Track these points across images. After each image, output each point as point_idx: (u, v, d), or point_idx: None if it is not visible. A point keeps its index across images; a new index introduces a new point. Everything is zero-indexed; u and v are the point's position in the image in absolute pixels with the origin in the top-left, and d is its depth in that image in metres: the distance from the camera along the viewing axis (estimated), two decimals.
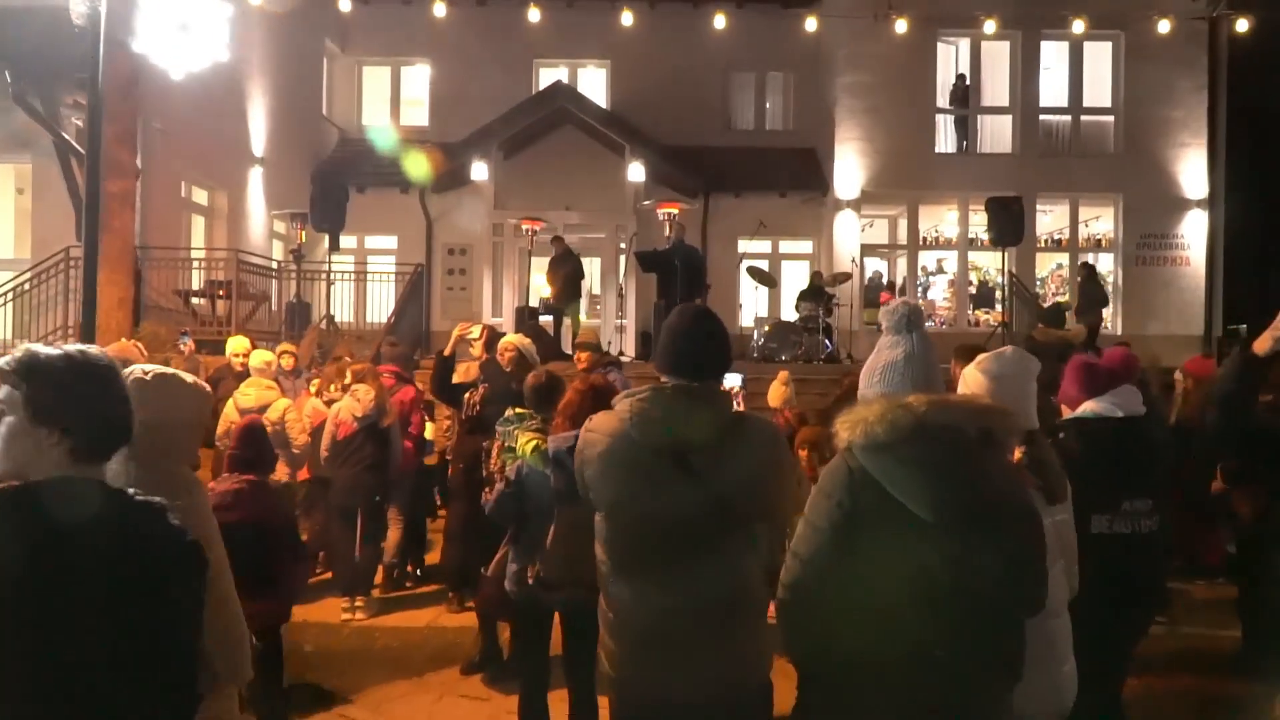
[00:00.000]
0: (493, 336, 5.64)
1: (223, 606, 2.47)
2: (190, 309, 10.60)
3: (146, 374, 2.57)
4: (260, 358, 5.92)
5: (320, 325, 10.89)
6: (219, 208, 13.56)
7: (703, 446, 2.25)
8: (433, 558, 6.84)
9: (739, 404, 5.04)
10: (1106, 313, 13.42)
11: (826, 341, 12.57)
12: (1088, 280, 13.48)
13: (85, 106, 9.26)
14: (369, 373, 5.75)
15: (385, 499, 5.91)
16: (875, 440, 1.86)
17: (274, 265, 12.42)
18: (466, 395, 5.31)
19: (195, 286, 11.21)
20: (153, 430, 2.50)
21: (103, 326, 8.69)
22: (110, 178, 8.62)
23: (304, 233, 13.01)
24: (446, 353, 5.53)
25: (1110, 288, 15.91)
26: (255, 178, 14.33)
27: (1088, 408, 3.09)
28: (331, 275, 12.13)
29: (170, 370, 2.65)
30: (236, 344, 6.34)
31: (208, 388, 2.82)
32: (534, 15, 16.78)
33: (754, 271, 13.34)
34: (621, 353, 13.19)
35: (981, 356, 2.57)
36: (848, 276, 13.60)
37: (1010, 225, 11.37)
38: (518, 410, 4.17)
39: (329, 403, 6.04)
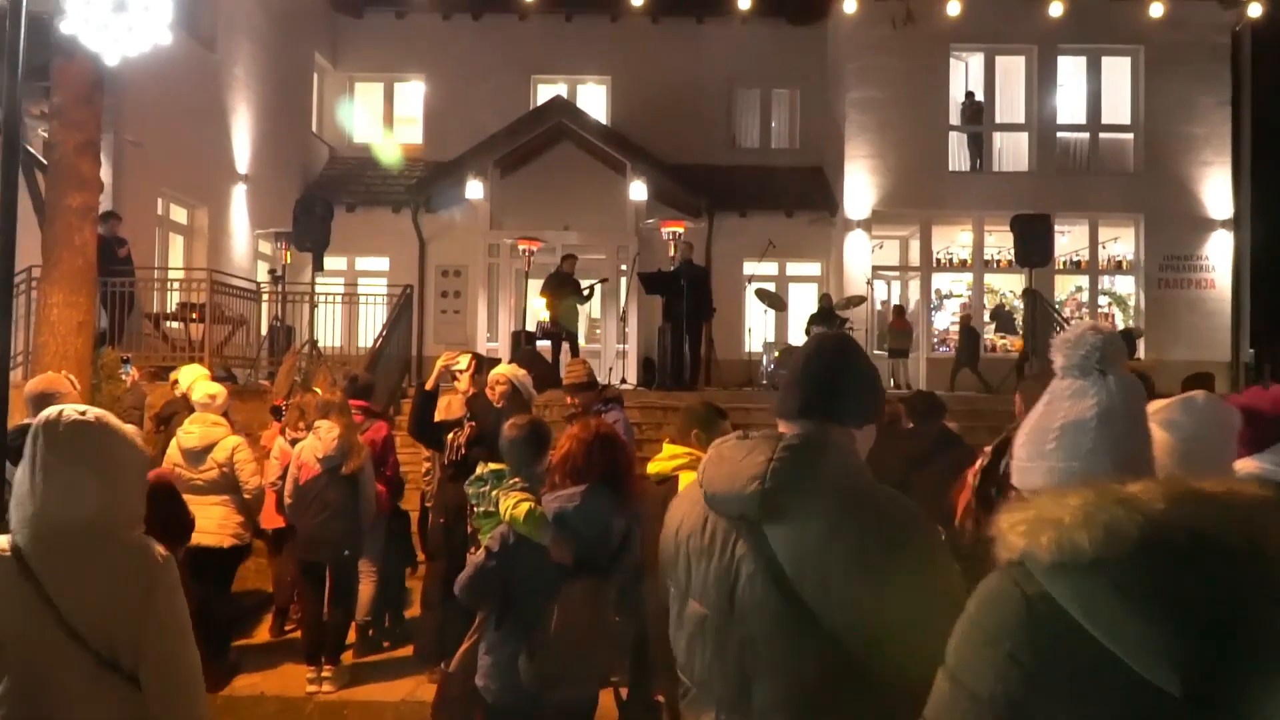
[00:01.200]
0: (482, 367, 4.90)
1: None
2: (161, 333, 9.87)
3: (84, 414, 1.92)
4: (204, 390, 5.16)
5: (301, 350, 10.16)
6: (199, 226, 12.89)
7: (780, 520, 1.58)
8: (414, 612, 6.11)
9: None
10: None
11: None
12: (1030, 305, 12.99)
13: (50, 116, 8.67)
14: (335, 406, 5.01)
15: (355, 552, 5.16)
16: (1077, 555, 1.14)
17: (254, 286, 11.70)
18: (450, 436, 4.55)
19: (170, 309, 10.51)
20: (99, 486, 1.86)
21: (59, 353, 7.98)
22: (70, 190, 7.93)
23: (289, 253, 12.34)
24: (429, 386, 4.76)
25: (1131, 311, 15.30)
26: (239, 196, 13.67)
27: (1246, 468, 2.36)
28: (315, 297, 11.42)
29: (109, 415, 1.98)
30: (190, 373, 5.60)
31: (147, 452, 2.17)
32: (531, 30, 16.32)
33: (763, 294, 12.66)
34: (624, 379, 12.49)
35: (1159, 405, 1.83)
36: (862, 299, 12.94)
37: (1037, 245, 10.73)
38: (492, 467, 3.45)
39: (293, 441, 5.30)
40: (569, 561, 3.01)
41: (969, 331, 13.81)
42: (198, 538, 5.11)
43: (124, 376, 5.53)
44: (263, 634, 6.24)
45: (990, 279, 15.46)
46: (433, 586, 4.59)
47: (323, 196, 12.57)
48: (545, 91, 16.40)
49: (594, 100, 16.76)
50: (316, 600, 5.16)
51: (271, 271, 12.02)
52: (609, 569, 3.06)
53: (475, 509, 3.45)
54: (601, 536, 3.03)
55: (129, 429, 2.00)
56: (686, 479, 3.39)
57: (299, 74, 15.72)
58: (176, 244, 12.60)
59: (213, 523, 5.12)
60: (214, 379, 5.84)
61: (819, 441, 1.63)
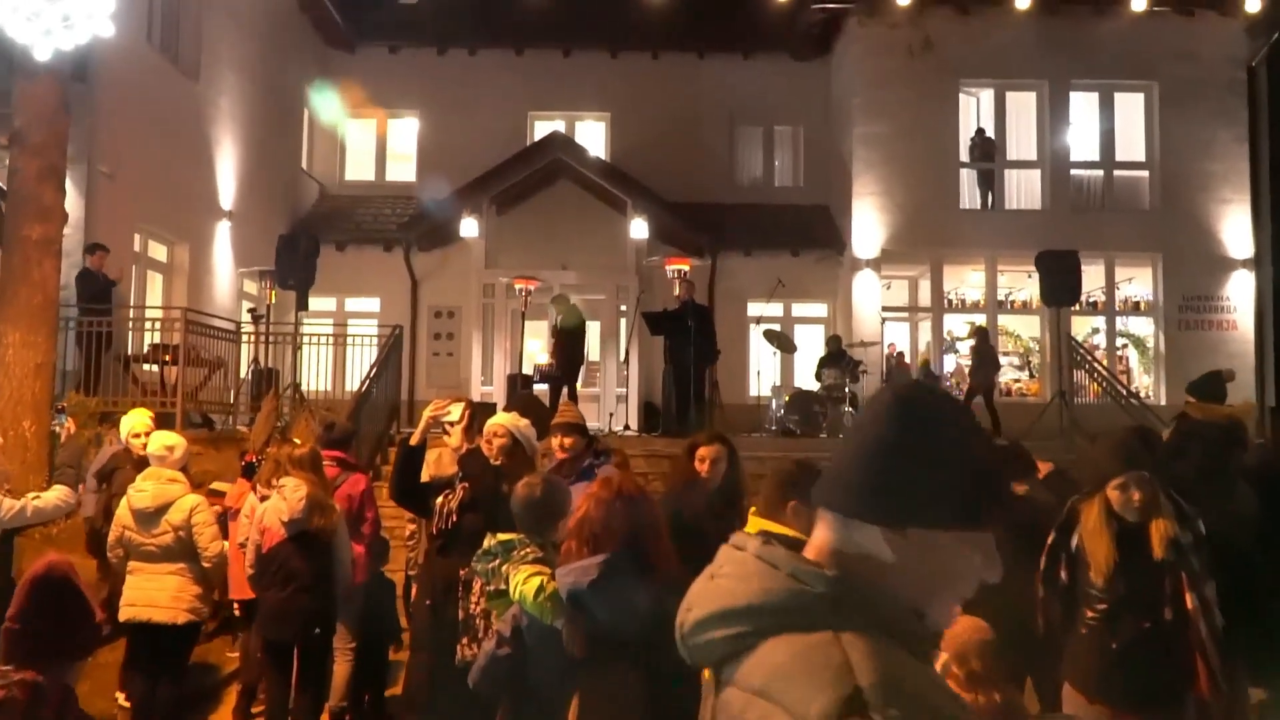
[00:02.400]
0: (476, 417, 4.21)
1: None
2: (131, 375, 9.21)
3: None
4: (160, 441, 4.50)
5: (283, 395, 9.50)
6: (179, 264, 12.28)
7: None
8: (396, 691, 5.39)
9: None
10: (998, 376, 12.35)
11: (853, 413, 11.27)
12: (980, 342, 12.62)
13: (11, 142, 8.10)
14: (304, 460, 4.33)
15: (327, 629, 4.45)
16: None
17: (234, 326, 11.05)
18: (440, 500, 3.87)
19: (144, 350, 9.85)
20: None
21: (15, 397, 7.31)
22: (30, 221, 7.32)
23: (274, 292, 11.74)
24: (414, 441, 4.03)
25: (1150, 352, 14.77)
26: (223, 233, 13.08)
27: None
28: (300, 338, 10.78)
29: None
30: (135, 421, 4.93)
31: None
32: (529, 65, 15.95)
33: (772, 335, 12.07)
34: (627, 426, 11.86)
35: None
36: (876, 341, 12.36)
37: (1065, 282, 10.20)
38: (501, 537, 2.84)
39: (264, 499, 4.64)
40: (581, 652, 2.45)
41: (926, 375, 13.32)
42: (148, 612, 4.46)
43: (57, 428, 4.79)
44: (225, 717, 5.52)
45: (1004, 320, 14.93)
46: (416, 683, 3.83)
47: (308, 233, 12.02)
48: (543, 128, 15.94)
49: (593, 137, 16.32)
50: (282, 685, 4.46)
51: (252, 311, 11.38)
52: (640, 652, 2.46)
53: (486, 587, 2.85)
54: (624, 615, 2.46)
55: None
56: None
57: (288, 109, 15.25)
58: (155, 282, 11.98)
59: (166, 595, 4.44)
60: (169, 425, 5.17)
61: (790, 557, 1.09)
